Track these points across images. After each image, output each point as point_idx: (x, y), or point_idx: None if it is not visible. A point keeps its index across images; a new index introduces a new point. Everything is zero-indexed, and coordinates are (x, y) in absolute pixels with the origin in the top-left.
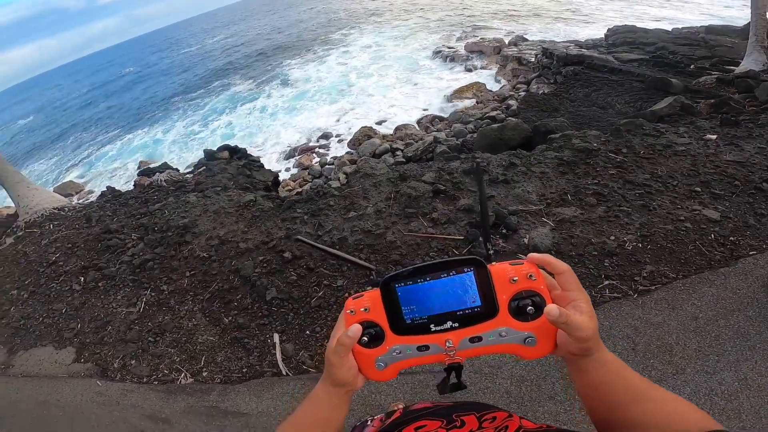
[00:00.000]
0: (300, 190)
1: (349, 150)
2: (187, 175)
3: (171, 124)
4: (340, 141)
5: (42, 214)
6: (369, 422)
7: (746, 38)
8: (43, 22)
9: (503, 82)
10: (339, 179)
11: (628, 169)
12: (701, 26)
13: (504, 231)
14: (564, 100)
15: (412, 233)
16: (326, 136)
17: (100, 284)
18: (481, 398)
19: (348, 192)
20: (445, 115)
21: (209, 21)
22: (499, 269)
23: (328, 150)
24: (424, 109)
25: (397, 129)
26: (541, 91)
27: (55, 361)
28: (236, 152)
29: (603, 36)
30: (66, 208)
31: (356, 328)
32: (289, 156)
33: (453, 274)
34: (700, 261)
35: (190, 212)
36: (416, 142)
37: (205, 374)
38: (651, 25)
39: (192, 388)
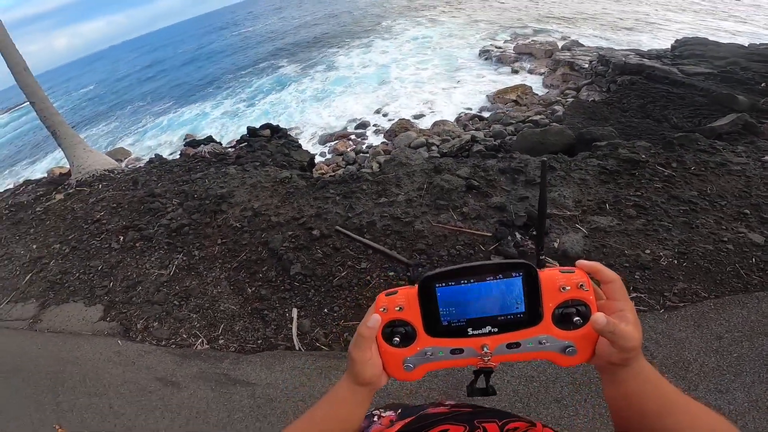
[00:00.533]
0: (333, 174)
1: (384, 140)
2: (229, 149)
3: (220, 100)
4: (377, 131)
5: (93, 175)
6: (376, 419)
7: None
8: None
9: (551, 86)
10: (372, 167)
11: (676, 185)
12: None
13: (533, 232)
14: (615, 109)
15: (440, 224)
16: (363, 125)
17: (137, 244)
18: None
19: (381, 178)
20: (486, 115)
21: (264, 4)
22: (549, 276)
23: (364, 138)
24: (465, 107)
25: (434, 124)
26: (591, 99)
27: (83, 318)
28: (277, 131)
29: (669, 47)
30: (116, 171)
31: (375, 318)
32: (325, 141)
33: (500, 278)
34: (736, 283)
35: (228, 183)
36: (453, 138)
37: (221, 342)
38: (725, 39)
39: (206, 354)
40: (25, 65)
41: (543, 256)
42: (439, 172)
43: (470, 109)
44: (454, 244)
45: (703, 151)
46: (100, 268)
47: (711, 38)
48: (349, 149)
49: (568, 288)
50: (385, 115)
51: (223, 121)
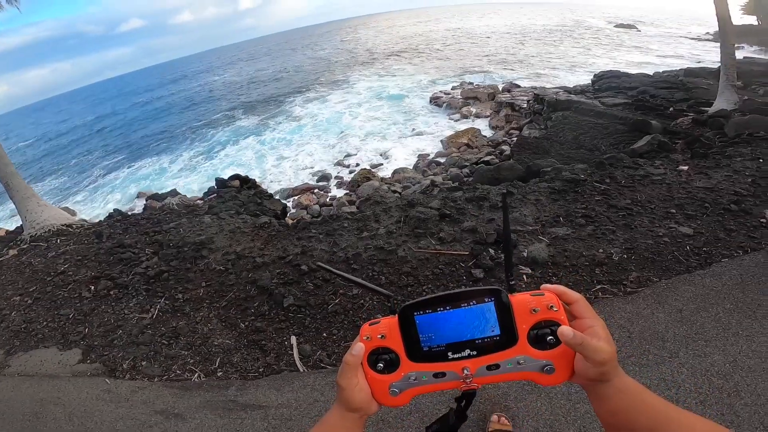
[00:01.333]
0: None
1: (347, 192)
2: (198, 201)
3: (178, 154)
4: (339, 184)
5: (49, 230)
6: None
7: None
8: (63, 45)
9: (497, 127)
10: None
11: (612, 196)
12: (680, 69)
13: (501, 254)
14: (554, 143)
15: (421, 249)
16: (325, 177)
17: (111, 293)
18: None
19: (360, 216)
20: (442, 160)
21: (217, 58)
22: (520, 300)
23: (327, 191)
24: (422, 154)
25: (395, 172)
26: (533, 135)
27: (59, 362)
28: (246, 182)
29: (590, 81)
30: (74, 225)
31: (359, 347)
32: (288, 195)
33: (473, 304)
34: (678, 267)
35: (205, 231)
36: (414, 185)
37: (219, 374)
38: (634, 70)
39: (209, 385)
40: None
41: (513, 282)
42: (413, 206)
43: (428, 155)
44: (437, 264)
45: (628, 167)
46: (71, 315)
47: (622, 70)
48: (313, 203)
49: (539, 309)
50: (346, 166)
51: (184, 175)
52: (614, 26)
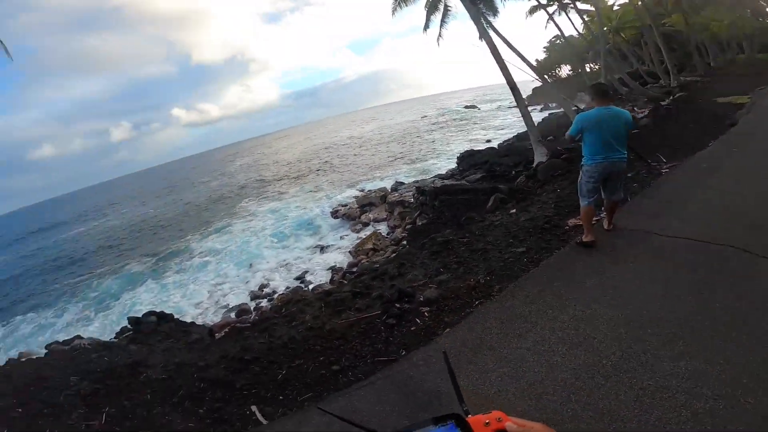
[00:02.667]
0: None
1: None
2: (113, 339)
3: (61, 307)
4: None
5: None
6: None
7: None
8: None
9: (395, 226)
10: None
11: (472, 244)
12: (513, 136)
13: (406, 299)
14: (439, 224)
15: (343, 320)
16: (244, 311)
17: (45, 410)
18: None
19: (287, 312)
20: (354, 269)
21: (85, 202)
22: (474, 419)
23: (249, 322)
24: (335, 267)
25: (314, 289)
26: (421, 223)
27: None
28: (164, 317)
29: (456, 163)
30: None
31: None
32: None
33: (441, 426)
34: (522, 272)
35: (135, 355)
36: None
37: None
38: (484, 146)
39: None
40: None
41: (465, 407)
42: (330, 294)
43: (341, 268)
44: (358, 327)
45: (480, 221)
46: None
47: (475, 148)
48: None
49: (489, 422)
50: (264, 297)
51: (74, 329)
52: (464, 107)
